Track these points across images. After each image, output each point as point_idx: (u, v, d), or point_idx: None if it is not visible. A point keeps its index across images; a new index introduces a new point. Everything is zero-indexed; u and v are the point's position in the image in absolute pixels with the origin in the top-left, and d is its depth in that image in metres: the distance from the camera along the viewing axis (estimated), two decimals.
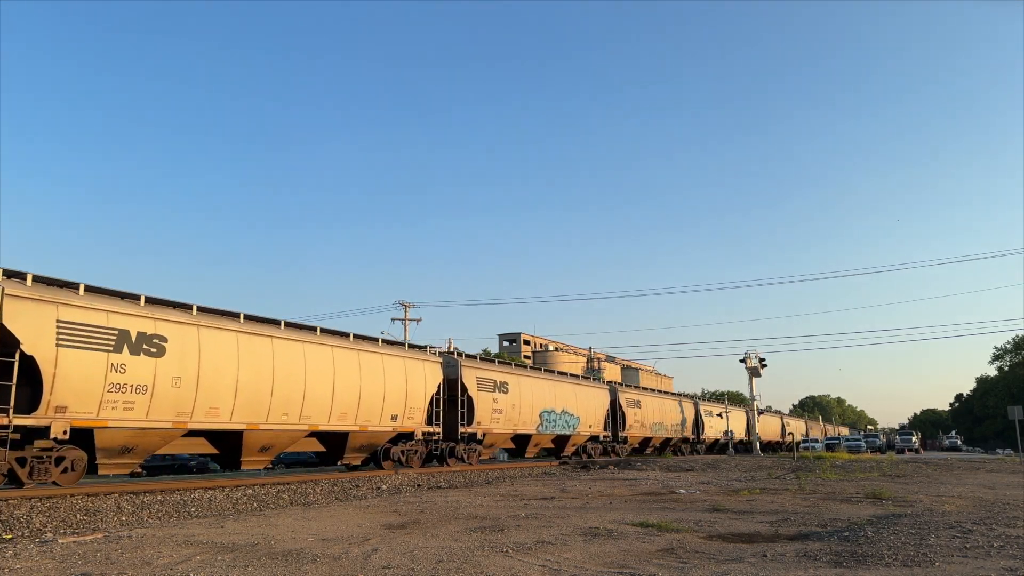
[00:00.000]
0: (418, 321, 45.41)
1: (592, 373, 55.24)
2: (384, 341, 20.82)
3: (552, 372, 31.15)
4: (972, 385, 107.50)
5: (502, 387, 24.44)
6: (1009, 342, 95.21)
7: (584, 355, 67.64)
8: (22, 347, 11.68)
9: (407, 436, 20.68)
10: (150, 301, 14.45)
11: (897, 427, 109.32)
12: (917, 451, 60.59)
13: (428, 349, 23.18)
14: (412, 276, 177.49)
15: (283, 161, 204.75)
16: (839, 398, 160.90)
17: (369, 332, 21.46)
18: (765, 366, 44.56)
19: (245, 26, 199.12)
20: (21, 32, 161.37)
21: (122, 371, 13.05)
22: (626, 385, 39.51)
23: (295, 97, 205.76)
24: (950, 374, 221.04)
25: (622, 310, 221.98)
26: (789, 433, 60.58)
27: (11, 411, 11.51)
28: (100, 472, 13.56)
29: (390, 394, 19.58)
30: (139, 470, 24.81)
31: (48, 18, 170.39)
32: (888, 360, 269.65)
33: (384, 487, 15.32)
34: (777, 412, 69.87)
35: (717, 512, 10.37)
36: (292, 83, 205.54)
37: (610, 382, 37.65)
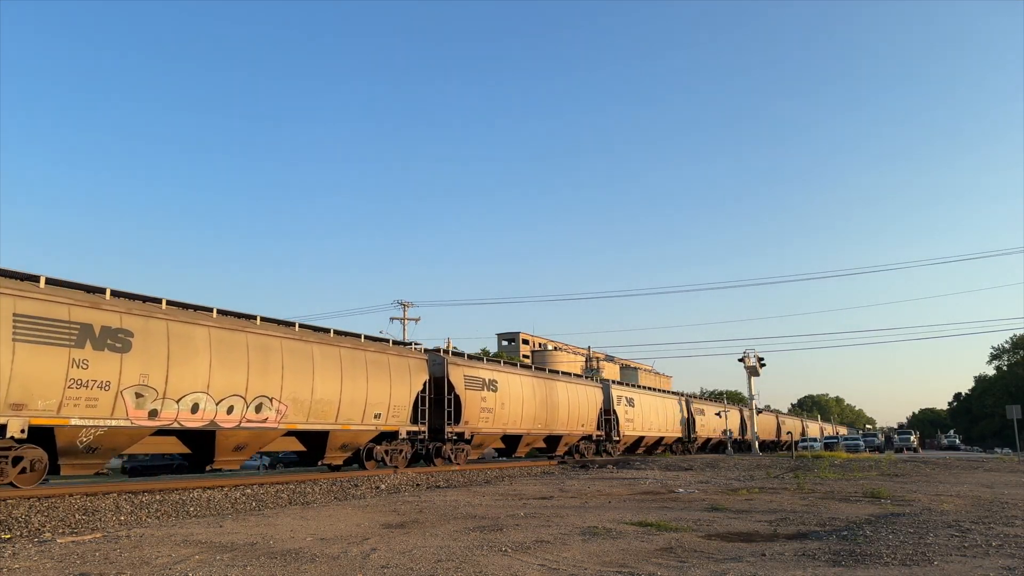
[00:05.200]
0: (417, 320, 45.80)
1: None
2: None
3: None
4: (971, 384, 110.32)
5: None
6: (1007, 341, 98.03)
7: (583, 355, 68.18)
8: None
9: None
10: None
11: (896, 426, 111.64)
12: (916, 450, 61.86)
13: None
14: (412, 276, 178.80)
15: (283, 161, 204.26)
16: (837, 397, 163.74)
17: (368, 332, 21.64)
18: (764, 365, 45.08)
19: (243, 25, 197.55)
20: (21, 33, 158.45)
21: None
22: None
23: (295, 96, 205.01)
24: (949, 373, 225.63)
25: (621, 309, 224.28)
26: (787, 432, 61.70)
27: None
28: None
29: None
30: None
31: (40, 25, 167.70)
32: (887, 359, 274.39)
33: (383, 487, 15.70)
34: (775, 411, 71.06)
35: (716, 511, 10.80)
36: (293, 82, 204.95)
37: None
